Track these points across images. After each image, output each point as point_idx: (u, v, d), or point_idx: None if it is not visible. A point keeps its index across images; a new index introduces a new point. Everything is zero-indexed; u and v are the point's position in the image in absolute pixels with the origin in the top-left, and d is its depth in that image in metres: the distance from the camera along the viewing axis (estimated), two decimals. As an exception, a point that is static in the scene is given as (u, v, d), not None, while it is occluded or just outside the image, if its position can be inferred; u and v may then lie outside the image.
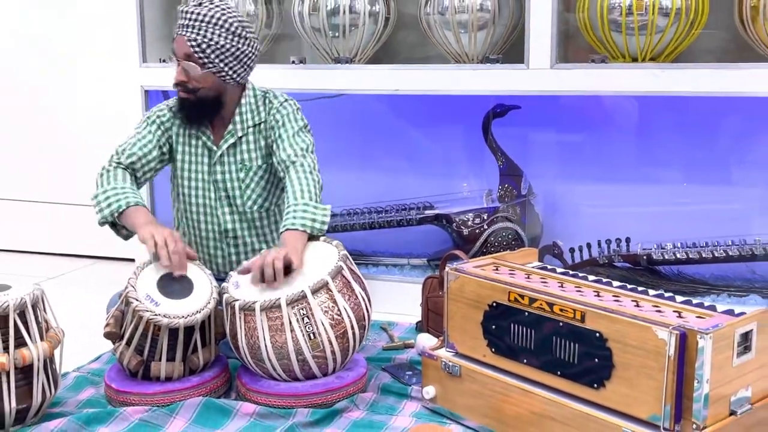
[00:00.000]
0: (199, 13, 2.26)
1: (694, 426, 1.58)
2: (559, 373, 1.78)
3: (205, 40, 2.27)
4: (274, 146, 2.38)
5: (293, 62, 3.12)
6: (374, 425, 1.95)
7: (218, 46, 2.28)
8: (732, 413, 1.63)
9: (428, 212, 3.14)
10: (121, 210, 2.22)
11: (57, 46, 3.56)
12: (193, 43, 2.27)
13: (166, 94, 3.31)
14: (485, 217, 3.06)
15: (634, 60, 2.80)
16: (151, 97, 3.31)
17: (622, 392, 1.66)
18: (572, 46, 3.07)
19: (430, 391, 2.03)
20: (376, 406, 2.06)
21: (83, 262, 3.64)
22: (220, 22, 2.27)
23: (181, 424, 1.97)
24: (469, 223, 3.08)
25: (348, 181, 2.59)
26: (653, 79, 2.66)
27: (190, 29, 2.27)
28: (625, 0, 2.70)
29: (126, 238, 2.36)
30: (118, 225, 2.28)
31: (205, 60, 2.28)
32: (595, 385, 1.71)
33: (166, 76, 3.26)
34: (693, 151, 2.80)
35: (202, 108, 2.36)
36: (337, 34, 3.09)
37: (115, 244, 3.47)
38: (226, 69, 2.31)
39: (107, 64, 3.47)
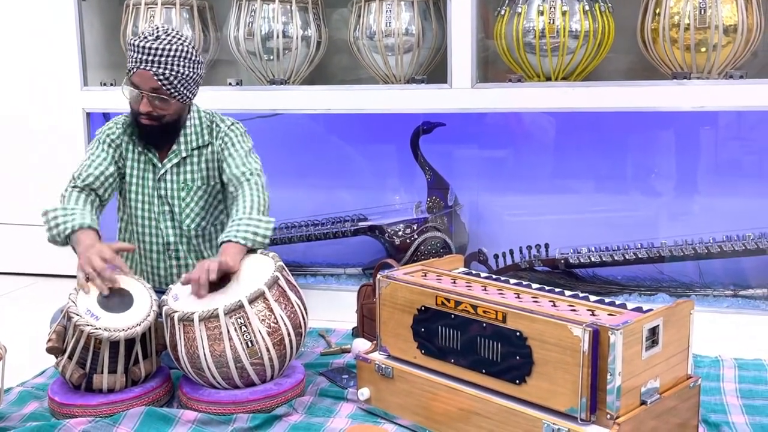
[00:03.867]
0: (161, 48, 2.19)
1: (608, 416, 1.59)
2: (483, 371, 1.78)
3: (173, 73, 2.21)
4: (225, 164, 2.35)
5: (230, 84, 3.08)
6: (312, 428, 1.92)
7: (183, 76, 2.23)
8: (643, 403, 1.65)
9: (362, 224, 3.13)
10: (66, 233, 2.15)
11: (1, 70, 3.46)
12: (161, 76, 2.21)
13: (107, 116, 3.23)
14: (415, 228, 3.06)
15: (548, 79, 2.85)
16: (93, 120, 3.23)
17: (542, 387, 1.67)
18: (491, 68, 3.11)
19: (365, 392, 2.01)
20: (314, 409, 2.03)
21: (27, 280, 3.52)
22: (183, 54, 2.23)
23: (124, 433, 1.91)
24: (401, 233, 3.08)
25: (286, 196, 2.58)
26: (565, 96, 2.71)
27: (156, 65, 2.20)
28: (538, 24, 2.74)
29: None
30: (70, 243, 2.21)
31: (172, 91, 2.24)
32: (517, 381, 1.71)
33: (107, 98, 3.21)
34: (604, 163, 2.86)
35: (166, 132, 2.33)
36: (271, 58, 3.06)
37: (57, 262, 3.41)
38: (188, 94, 2.29)
39: (50, 87, 3.39)
